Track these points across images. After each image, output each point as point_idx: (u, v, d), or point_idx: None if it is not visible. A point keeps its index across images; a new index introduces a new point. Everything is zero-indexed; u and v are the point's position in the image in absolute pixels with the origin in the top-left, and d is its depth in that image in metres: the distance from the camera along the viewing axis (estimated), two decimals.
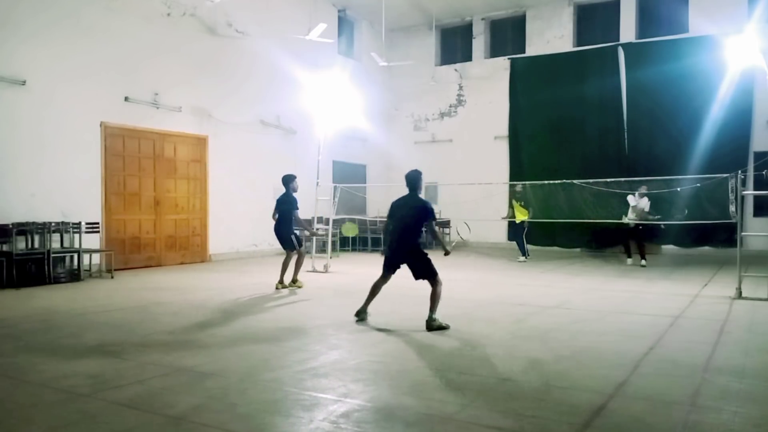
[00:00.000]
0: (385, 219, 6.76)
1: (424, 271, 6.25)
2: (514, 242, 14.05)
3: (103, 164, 10.90)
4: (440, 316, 6.01)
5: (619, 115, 15.55)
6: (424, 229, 6.42)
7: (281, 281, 8.94)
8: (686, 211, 12.41)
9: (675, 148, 14.50)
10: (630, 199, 12.08)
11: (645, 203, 11.99)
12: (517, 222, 13.47)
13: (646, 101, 15.14)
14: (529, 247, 13.54)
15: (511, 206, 13.80)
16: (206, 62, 12.85)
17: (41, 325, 6.21)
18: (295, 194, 9.04)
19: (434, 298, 6.12)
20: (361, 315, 6.47)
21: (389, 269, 6.50)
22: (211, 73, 12.97)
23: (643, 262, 12.00)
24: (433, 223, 6.40)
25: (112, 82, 10.98)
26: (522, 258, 13.31)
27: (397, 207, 6.51)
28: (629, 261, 12.41)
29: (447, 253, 6.60)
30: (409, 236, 6.33)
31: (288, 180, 9.13)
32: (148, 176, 11.83)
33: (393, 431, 3.34)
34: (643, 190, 11.99)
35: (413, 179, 6.44)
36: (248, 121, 13.91)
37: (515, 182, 14.23)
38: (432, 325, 5.99)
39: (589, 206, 13.75)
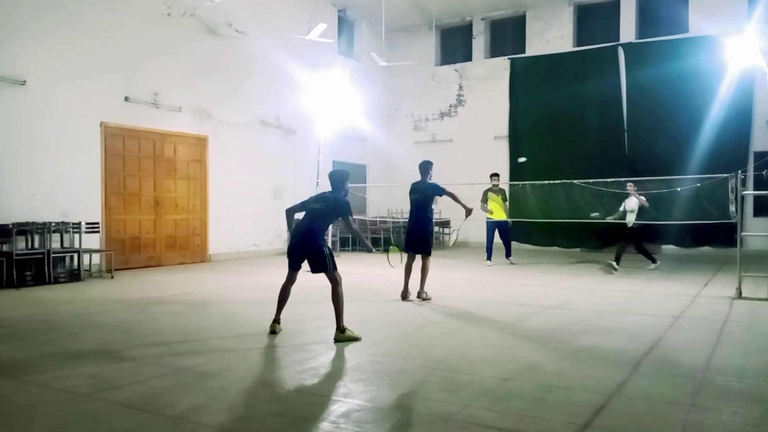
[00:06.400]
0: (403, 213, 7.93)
1: (425, 248, 7.65)
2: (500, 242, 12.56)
3: (103, 164, 10.90)
4: (440, 316, 6.03)
5: (619, 115, 15.55)
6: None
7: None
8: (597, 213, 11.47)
9: (675, 148, 14.50)
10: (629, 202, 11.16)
11: (635, 202, 11.07)
12: (490, 219, 12.11)
13: (646, 101, 15.13)
14: (529, 247, 13.35)
15: (485, 200, 12.23)
16: (206, 62, 12.84)
17: (41, 325, 6.20)
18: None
19: (424, 273, 7.63)
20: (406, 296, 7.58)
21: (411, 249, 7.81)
22: (211, 73, 12.96)
23: (652, 266, 11.08)
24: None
25: (112, 82, 10.97)
26: (488, 262, 12.15)
27: (413, 190, 7.92)
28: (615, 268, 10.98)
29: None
30: (424, 213, 7.73)
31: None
32: (148, 176, 11.83)
33: (393, 431, 3.33)
34: (631, 188, 11.13)
35: (424, 167, 7.98)
36: (248, 121, 13.91)
37: (515, 182, 14.20)
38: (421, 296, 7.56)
39: (589, 206, 13.75)
